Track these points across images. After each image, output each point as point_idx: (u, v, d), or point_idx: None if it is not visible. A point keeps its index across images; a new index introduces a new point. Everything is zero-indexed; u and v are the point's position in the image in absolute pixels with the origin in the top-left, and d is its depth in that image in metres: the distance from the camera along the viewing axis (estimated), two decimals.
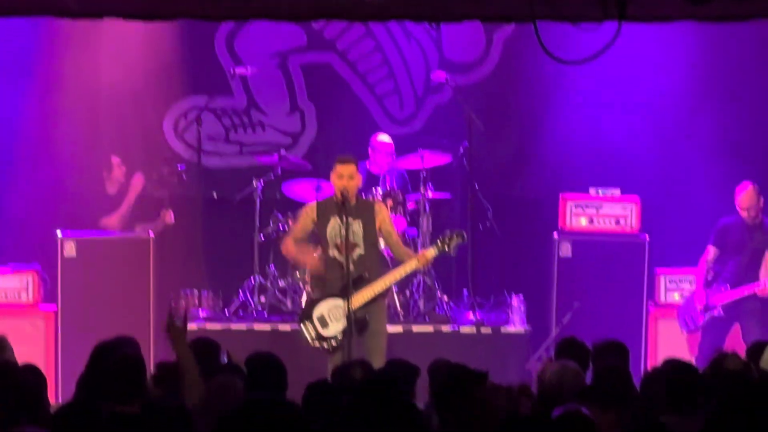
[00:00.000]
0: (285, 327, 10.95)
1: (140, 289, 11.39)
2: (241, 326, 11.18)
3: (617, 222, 11.69)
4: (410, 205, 11.46)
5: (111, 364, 6.01)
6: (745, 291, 10.92)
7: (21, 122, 12.11)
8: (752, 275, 10.99)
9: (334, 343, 9.40)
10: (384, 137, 11.90)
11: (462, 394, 5.65)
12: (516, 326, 11.16)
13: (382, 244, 9.96)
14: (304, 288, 11.11)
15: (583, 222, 11.70)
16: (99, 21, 10.56)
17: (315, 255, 9.82)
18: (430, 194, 11.53)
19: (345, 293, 9.28)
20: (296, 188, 11.64)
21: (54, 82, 12.12)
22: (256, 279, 11.49)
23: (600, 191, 11.72)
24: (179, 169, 12.01)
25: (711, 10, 8.12)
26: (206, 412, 6.12)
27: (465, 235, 9.79)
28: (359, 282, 9.42)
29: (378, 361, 8.75)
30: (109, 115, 12.36)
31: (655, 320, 11.53)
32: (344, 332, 9.32)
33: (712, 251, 11.14)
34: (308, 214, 9.78)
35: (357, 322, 9.31)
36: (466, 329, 11.12)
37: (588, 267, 11.54)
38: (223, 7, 8.61)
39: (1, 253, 11.76)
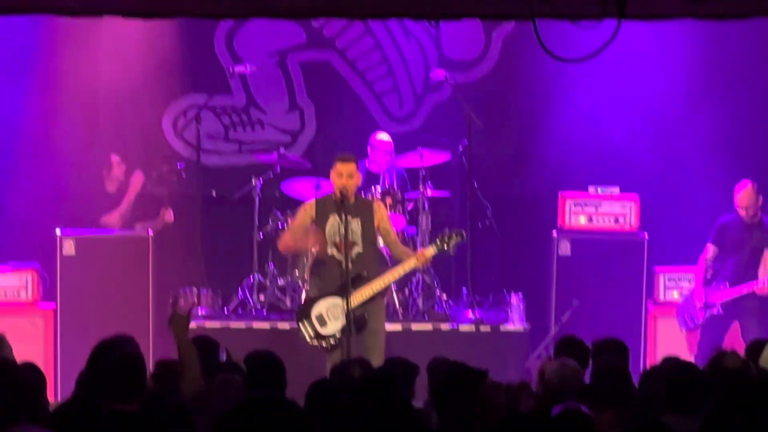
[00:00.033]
0: (284, 325, 10.94)
1: (139, 287, 11.39)
2: (240, 324, 11.18)
3: (616, 220, 11.69)
4: (409, 204, 11.46)
5: (111, 362, 6.01)
6: (744, 289, 10.92)
7: (20, 120, 12.09)
8: (751, 273, 10.99)
9: (332, 341, 9.40)
10: (383, 136, 11.89)
11: (462, 392, 5.64)
12: (515, 324, 11.15)
13: (380, 242, 9.96)
14: (304, 286, 11.11)
15: (582, 220, 11.70)
16: (98, 19, 10.59)
17: (314, 234, 9.70)
18: (429, 192, 11.53)
19: (343, 292, 9.28)
20: (295, 186, 11.63)
21: (53, 81, 12.12)
22: (256, 277, 11.49)
23: (599, 189, 11.73)
24: (178, 167, 12.01)
25: (710, 8, 8.12)
26: (207, 410, 6.12)
27: (464, 234, 9.78)
28: (358, 280, 9.42)
29: (377, 360, 8.74)
30: (109, 113, 12.36)
31: (654, 319, 11.54)
32: (343, 331, 9.32)
33: (711, 249, 11.14)
34: (307, 211, 9.78)
35: (356, 321, 9.30)
36: (465, 327, 11.12)
37: (587, 265, 11.54)
38: (222, 6, 8.60)
39: (0, 251, 11.75)
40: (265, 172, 11.76)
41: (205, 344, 7.24)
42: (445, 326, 11.11)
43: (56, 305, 11.36)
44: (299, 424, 3.93)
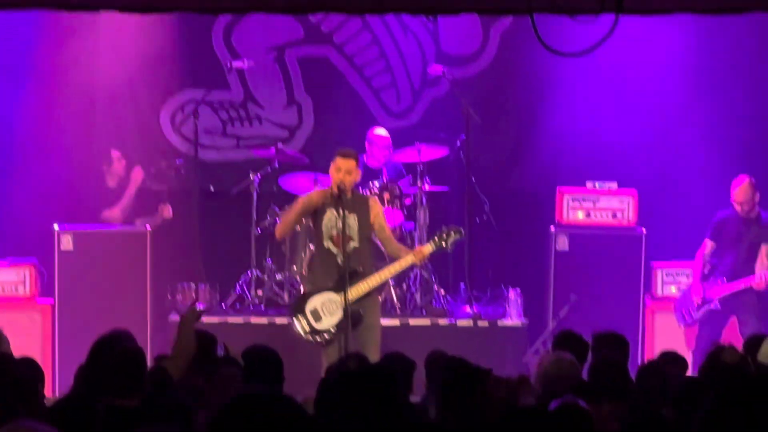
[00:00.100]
0: (282, 320, 10.93)
1: (137, 282, 11.40)
2: (238, 319, 11.19)
3: (614, 215, 11.69)
4: (407, 199, 11.45)
5: (111, 357, 6.02)
6: (741, 284, 10.93)
7: (17, 116, 12.08)
8: (749, 269, 10.99)
9: (327, 336, 9.37)
10: (381, 131, 11.88)
11: (467, 390, 5.66)
12: (513, 319, 11.16)
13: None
14: (301, 282, 11.10)
15: (580, 215, 11.70)
16: (96, 14, 10.59)
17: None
18: (427, 187, 11.52)
19: (339, 287, 9.26)
20: (293, 182, 11.63)
21: (51, 76, 12.10)
22: (253, 272, 11.49)
23: (597, 185, 11.72)
24: (177, 163, 12.00)
25: (708, 3, 8.13)
26: (207, 405, 6.13)
27: (462, 232, 9.75)
28: (353, 276, 9.38)
29: (372, 355, 8.74)
30: (106, 108, 12.36)
31: (652, 314, 11.54)
32: (338, 326, 9.30)
33: (708, 245, 11.14)
34: (313, 198, 9.49)
35: (351, 316, 9.29)
36: (463, 322, 11.13)
37: (585, 260, 11.54)
38: (220, 1, 8.61)
39: None
40: (263, 168, 11.75)
41: (203, 339, 7.24)
42: (442, 321, 11.11)
43: (54, 300, 11.36)
44: (296, 419, 3.93)
